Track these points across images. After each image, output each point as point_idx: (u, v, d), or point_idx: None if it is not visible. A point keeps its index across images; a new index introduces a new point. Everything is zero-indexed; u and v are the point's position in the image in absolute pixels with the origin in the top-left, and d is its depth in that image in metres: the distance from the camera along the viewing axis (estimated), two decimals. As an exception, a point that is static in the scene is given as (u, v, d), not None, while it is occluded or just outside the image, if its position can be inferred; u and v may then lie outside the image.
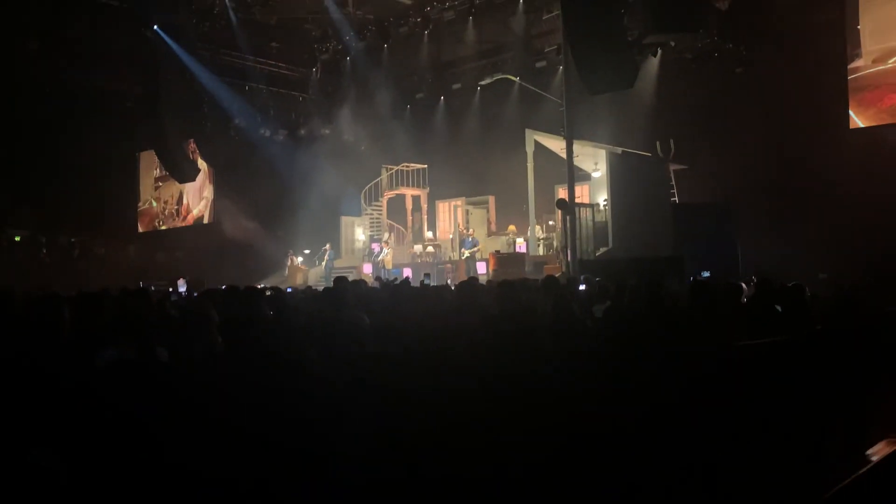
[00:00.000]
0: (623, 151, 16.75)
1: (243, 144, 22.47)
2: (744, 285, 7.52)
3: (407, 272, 17.89)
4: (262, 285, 13.35)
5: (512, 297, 5.17)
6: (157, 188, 25.83)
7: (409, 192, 23.08)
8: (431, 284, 10.63)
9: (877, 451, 2.06)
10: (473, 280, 9.11)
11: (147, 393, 2.66)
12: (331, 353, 3.85)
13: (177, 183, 23.41)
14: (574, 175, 15.05)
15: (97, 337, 3.81)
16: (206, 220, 24.28)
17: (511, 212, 20.58)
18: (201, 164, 23.14)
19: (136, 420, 2.45)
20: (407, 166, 22.47)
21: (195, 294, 9.56)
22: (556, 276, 9.87)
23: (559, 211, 16.10)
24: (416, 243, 21.97)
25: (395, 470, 2.92)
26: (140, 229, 26.08)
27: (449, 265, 19.21)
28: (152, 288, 13.56)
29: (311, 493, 2.80)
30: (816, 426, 3.19)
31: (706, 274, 10.90)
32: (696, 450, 3.07)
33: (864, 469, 1.92)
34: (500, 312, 5.08)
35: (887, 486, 1.93)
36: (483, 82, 20.43)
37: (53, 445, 2.13)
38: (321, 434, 3.02)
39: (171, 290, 14.40)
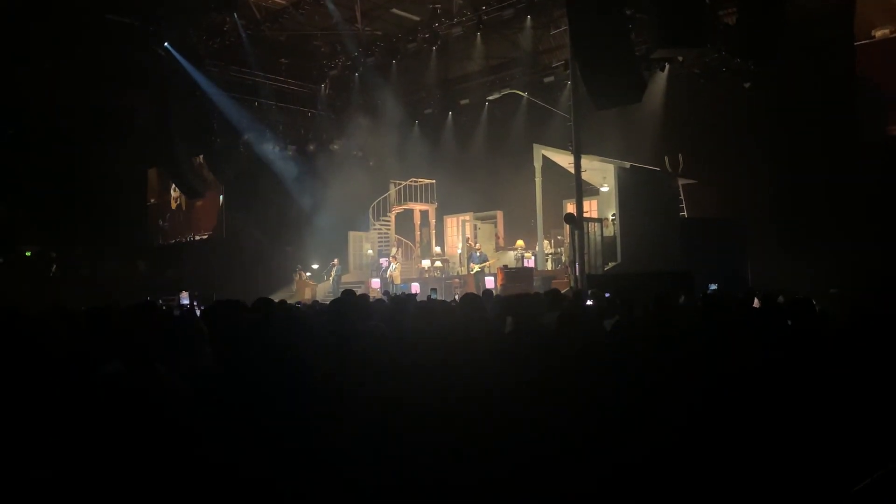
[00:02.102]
0: (631, 166, 16.73)
1: (252, 160, 22.58)
2: (756, 300, 7.46)
3: (415, 287, 17.87)
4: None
5: (518, 311, 5.14)
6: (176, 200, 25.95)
7: (418, 207, 23.08)
8: (438, 299, 10.59)
9: None
10: (488, 293, 9.10)
11: (143, 405, 2.64)
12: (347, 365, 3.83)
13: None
14: (582, 190, 15.02)
15: (102, 351, 3.80)
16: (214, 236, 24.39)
17: (519, 227, 20.56)
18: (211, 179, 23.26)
19: (134, 432, 2.43)
20: (415, 181, 22.50)
21: (201, 308, 9.56)
22: (563, 291, 9.83)
23: (567, 226, 16.06)
24: (424, 258, 21.96)
25: (399, 479, 2.90)
26: (161, 241, 26.24)
27: (457, 280, 19.18)
28: (160, 302, 13.58)
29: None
30: (828, 439, 3.14)
31: (713, 286, 10.82)
32: (708, 463, 3.03)
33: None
34: (509, 327, 5.06)
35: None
36: (491, 97, 20.50)
37: (52, 458, 2.12)
38: (325, 445, 3.00)
39: (178, 304, 14.46)
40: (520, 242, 19.25)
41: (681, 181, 17.60)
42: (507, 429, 3.17)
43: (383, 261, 21.01)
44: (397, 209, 22.89)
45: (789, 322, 4.71)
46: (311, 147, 23.19)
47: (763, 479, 3.01)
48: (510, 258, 19.08)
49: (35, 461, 2.25)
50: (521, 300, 6.12)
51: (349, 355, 3.94)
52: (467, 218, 21.61)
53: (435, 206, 22.93)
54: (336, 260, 20.91)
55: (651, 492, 2.94)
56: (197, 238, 25.16)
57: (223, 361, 3.66)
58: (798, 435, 3.24)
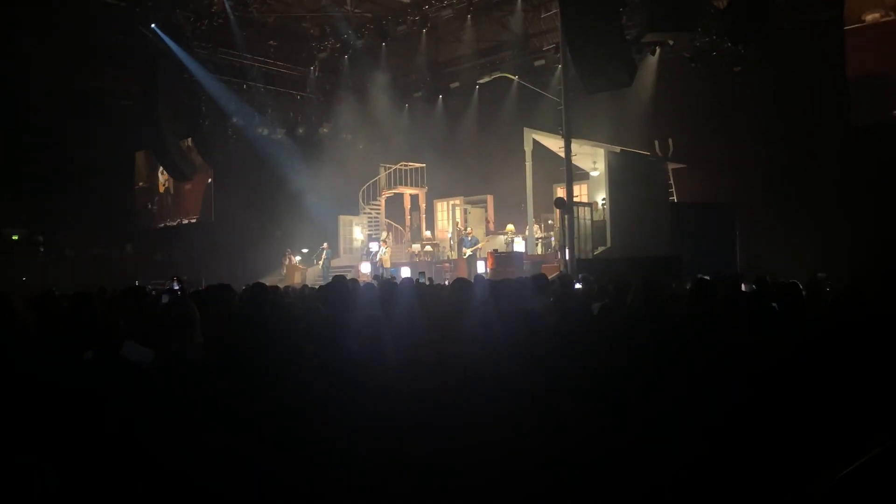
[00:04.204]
0: (621, 150, 16.73)
1: (241, 143, 22.43)
2: (744, 284, 7.50)
3: (405, 271, 17.85)
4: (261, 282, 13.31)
5: (507, 295, 5.14)
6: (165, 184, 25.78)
7: (408, 192, 23.04)
8: (427, 283, 10.59)
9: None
10: (480, 277, 9.09)
11: (118, 392, 2.63)
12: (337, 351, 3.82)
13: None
14: (572, 174, 15.02)
15: (85, 336, 3.77)
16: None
17: (509, 211, 20.54)
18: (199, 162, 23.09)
19: (112, 418, 2.42)
20: (405, 165, 22.44)
21: (181, 292, 9.51)
22: (552, 275, 9.83)
23: (557, 210, 16.07)
24: (414, 242, 21.94)
25: (391, 467, 2.89)
26: (150, 224, 26.11)
27: (447, 264, 19.18)
28: (149, 287, 13.47)
29: (307, 491, 2.77)
30: (814, 423, 3.16)
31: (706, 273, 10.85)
32: (693, 446, 3.05)
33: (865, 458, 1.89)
34: (497, 311, 5.05)
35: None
36: (481, 81, 20.41)
37: (34, 446, 2.10)
38: (313, 434, 2.99)
39: (168, 288, 14.36)
40: (510, 227, 19.24)
41: (671, 166, 17.63)
42: (501, 416, 3.17)
43: (373, 245, 20.98)
44: (387, 193, 22.84)
45: (775, 305, 4.73)
46: (301, 130, 23.05)
47: (749, 464, 3.04)
48: (500, 242, 19.08)
49: (21, 447, 2.23)
50: (509, 285, 6.12)
51: (346, 344, 3.92)
52: (457, 202, 21.58)
53: (425, 190, 22.89)
54: (326, 244, 20.88)
55: (642, 477, 2.96)
56: (185, 221, 25.02)
57: (213, 347, 3.64)
58: (784, 417, 3.26)
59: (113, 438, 2.37)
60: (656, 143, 17.41)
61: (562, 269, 14.38)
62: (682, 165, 17.58)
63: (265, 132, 22.31)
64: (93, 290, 7.09)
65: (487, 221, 21.57)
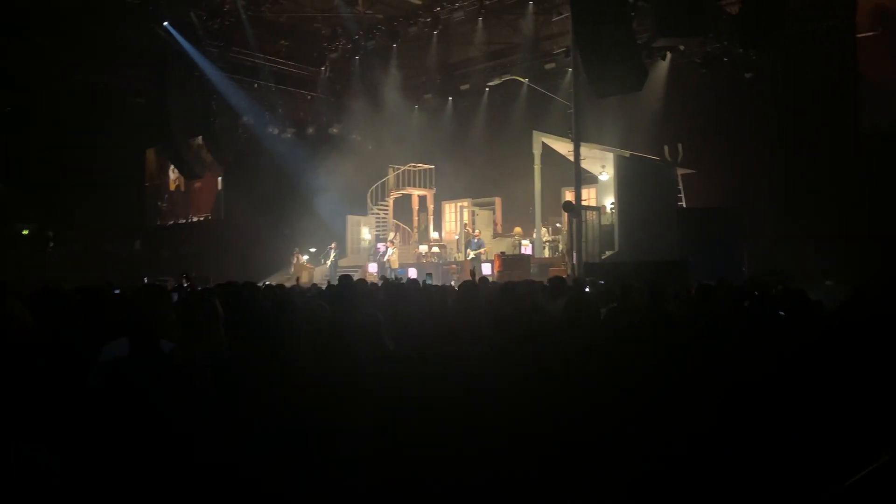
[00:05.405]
0: (631, 155, 16.71)
1: (251, 142, 22.51)
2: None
3: (412, 272, 17.88)
4: (267, 282, 13.38)
5: (516, 298, 5.15)
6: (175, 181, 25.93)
7: (416, 193, 23.08)
8: (434, 284, 10.59)
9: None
10: (483, 280, 9.11)
11: (145, 388, 2.65)
12: (338, 354, 3.84)
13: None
14: (581, 178, 15.01)
15: (102, 332, 3.80)
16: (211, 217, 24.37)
17: (517, 214, 20.55)
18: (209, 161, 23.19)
19: (136, 415, 2.44)
20: (414, 166, 22.47)
21: (198, 289, 9.55)
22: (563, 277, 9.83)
23: (565, 213, 16.06)
24: (421, 243, 21.97)
25: (398, 469, 2.91)
26: (160, 221, 26.26)
27: (454, 266, 19.19)
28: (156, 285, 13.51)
29: (313, 492, 2.79)
30: (822, 430, 3.16)
31: (714, 278, 10.84)
32: (695, 448, 3.05)
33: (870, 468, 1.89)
34: (505, 314, 5.07)
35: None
36: (491, 83, 20.43)
37: (51, 441, 2.12)
38: (322, 432, 3.01)
39: (177, 285, 14.43)
40: (518, 229, 19.25)
41: (680, 171, 17.58)
42: (508, 420, 3.18)
43: (380, 245, 21.02)
44: (395, 194, 22.88)
45: (782, 313, 4.73)
46: (311, 130, 23.12)
47: (755, 472, 3.04)
48: (508, 245, 19.08)
49: (28, 446, 2.25)
50: (521, 287, 6.13)
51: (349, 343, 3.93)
52: (465, 204, 21.61)
53: (433, 191, 22.93)
54: (334, 244, 20.91)
55: (642, 477, 2.96)
56: (195, 219, 25.14)
57: (237, 343, 3.65)
58: (790, 424, 3.26)
59: (153, 434, 2.39)
60: (666, 147, 17.38)
61: (569, 272, 14.36)
62: (691, 171, 17.54)
63: (275, 131, 22.39)
64: (100, 286, 7.14)
65: (495, 224, 21.58)
